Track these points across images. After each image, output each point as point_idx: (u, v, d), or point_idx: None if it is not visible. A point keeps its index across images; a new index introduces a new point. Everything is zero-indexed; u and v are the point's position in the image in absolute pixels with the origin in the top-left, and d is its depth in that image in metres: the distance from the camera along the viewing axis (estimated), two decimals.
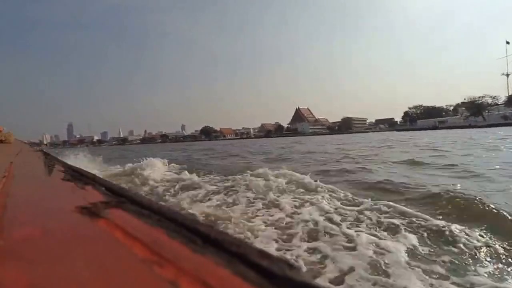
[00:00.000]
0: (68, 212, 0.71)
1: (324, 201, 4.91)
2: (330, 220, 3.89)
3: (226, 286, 0.37)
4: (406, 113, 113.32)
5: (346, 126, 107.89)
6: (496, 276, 2.46)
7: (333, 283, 2.25)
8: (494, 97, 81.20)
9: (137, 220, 0.61)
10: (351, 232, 3.46)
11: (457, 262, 2.71)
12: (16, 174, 1.55)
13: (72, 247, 0.50)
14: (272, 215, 4.28)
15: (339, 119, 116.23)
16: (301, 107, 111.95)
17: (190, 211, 4.59)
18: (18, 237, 0.54)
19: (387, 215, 3.95)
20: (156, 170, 9.98)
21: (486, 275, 2.46)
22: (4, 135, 5.19)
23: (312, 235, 3.44)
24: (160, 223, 0.57)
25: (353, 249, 2.96)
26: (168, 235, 0.51)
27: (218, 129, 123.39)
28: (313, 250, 2.99)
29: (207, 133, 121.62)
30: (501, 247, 2.95)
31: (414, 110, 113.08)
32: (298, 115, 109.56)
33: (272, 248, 3.04)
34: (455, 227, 3.40)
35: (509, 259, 2.75)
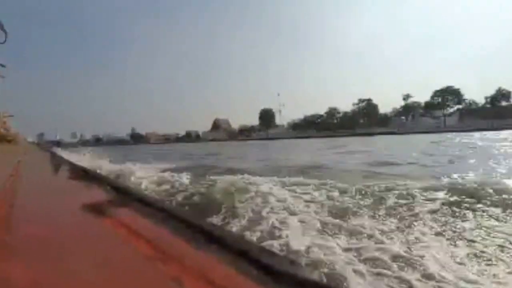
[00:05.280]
0: (74, 210, 0.73)
1: None
2: None
3: (229, 283, 0.38)
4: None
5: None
6: None
7: None
8: None
9: (142, 218, 0.62)
10: None
11: None
12: (24, 173, 1.59)
13: (78, 245, 0.52)
14: None
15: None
16: (221, 118, 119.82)
17: None
18: (25, 235, 0.56)
19: None
20: None
21: None
22: (12, 135, 5.31)
23: None
24: (165, 221, 0.58)
25: None
26: (172, 233, 0.52)
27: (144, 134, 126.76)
28: None
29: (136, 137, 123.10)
30: None
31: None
32: (216, 124, 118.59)
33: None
34: None
35: None
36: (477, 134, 29.42)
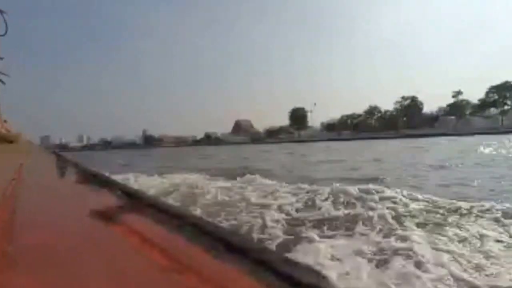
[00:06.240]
0: (81, 217, 0.74)
1: None
2: None
3: None
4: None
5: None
6: None
7: None
8: None
9: (154, 225, 0.62)
10: None
11: None
12: (26, 177, 1.63)
13: (85, 254, 0.52)
14: None
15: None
16: (242, 119, 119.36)
17: None
18: (27, 244, 0.56)
19: None
20: None
21: None
22: (14, 136, 5.44)
23: None
24: (180, 228, 0.58)
25: None
26: (188, 241, 0.52)
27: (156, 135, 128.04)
28: None
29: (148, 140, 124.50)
30: None
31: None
32: (238, 126, 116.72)
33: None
34: None
35: None
36: None
